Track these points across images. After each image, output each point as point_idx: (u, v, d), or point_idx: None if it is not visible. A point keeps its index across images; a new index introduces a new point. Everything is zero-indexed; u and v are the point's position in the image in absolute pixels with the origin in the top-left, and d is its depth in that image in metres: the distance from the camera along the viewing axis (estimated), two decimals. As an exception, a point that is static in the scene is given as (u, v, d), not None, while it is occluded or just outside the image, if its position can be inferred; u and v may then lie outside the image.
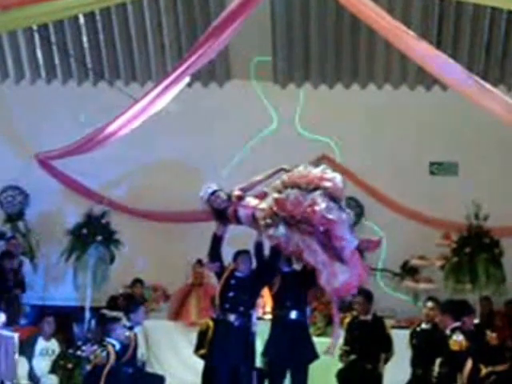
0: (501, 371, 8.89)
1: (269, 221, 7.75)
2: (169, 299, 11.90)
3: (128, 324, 8.87)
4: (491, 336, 9.19)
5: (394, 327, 10.41)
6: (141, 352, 9.87)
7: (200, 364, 9.07)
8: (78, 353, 9.70)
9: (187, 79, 10.65)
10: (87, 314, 11.46)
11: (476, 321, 9.41)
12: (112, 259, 11.83)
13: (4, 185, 12.87)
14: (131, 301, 10.47)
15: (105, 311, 10.74)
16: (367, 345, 9.39)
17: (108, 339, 8.50)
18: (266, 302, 10.70)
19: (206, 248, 8.97)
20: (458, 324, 8.50)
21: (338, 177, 7.79)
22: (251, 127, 12.52)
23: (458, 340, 8.27)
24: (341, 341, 9.21)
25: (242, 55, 12.44)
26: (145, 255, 12.61)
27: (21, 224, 12.65)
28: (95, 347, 8.54)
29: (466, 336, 8.33)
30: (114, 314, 9.75)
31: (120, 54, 12.90)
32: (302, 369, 8.99)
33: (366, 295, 9.46)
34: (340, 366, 9.53)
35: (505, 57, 12.53)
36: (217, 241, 8.80)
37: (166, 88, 10.08)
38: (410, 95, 12.88)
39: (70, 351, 10.07)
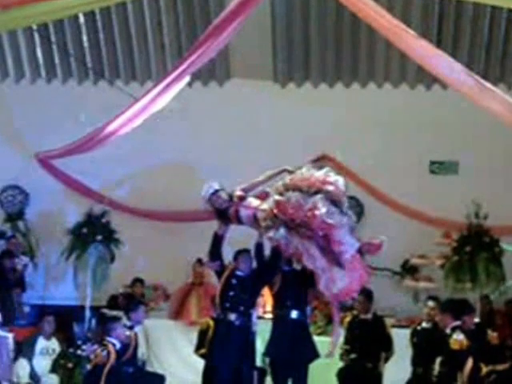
0: (501, 370, 8.91)
1: (269, 222, 7.73)
2: (169, 298, 11.91)
3: (128, 323, 8.88)
4: (492, 335, 9.22)
5: (394, 326, 10.43)
6: (141, 351, 9.88)
7: (200, 363, 9.08)
8: (79, 352, 9.74)
9: (187, 78, 10.64)
10: (87, 314, 11.46)
11: (476, 320, 9.42)
12: (112, 258, 11.83)
13: (4, 184, 12.88)
14: (131, 300, 10.48)
15: (105, 310, 10.80)
16: (367, 344, 9.41)
17: (108, 338, 8.51)
18: (266, 301, 10.71)
19: (206, 247, 8.98)
20: (458, 323, 8.50)
21: (340, 180, 7.72)
22: (251, 127, 12.52)
23: (458, 339, 8.27)
24: (341, 340, 9.22)
25: (241, 54, 12.43)
26: (145, 254, 12.61)
27: (21, 223, 12.66)
28: (95, 346, 8.56)
29: (467, 335, 8.33)
30: (115, 313, 9.80)
31: (120, 53, 12.90)
32: (302, 368, 9.00)
33: (367, 294, 9.47)
34: (340, 364, 9.55)
35: (505, 55, 12.53)
36: (218, 240, 8.80)
37: (167, 87, 10.08)
38: (410, 94, 12.88)
39: (71, 350, 10.09)
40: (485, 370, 8.79)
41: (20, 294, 11.71)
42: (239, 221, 8.58)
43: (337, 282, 7.67)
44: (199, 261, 11.43)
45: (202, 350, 9.01)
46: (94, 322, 11.18)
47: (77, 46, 12.79)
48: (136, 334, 8.90)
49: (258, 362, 9.36)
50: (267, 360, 9.37)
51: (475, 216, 11.15)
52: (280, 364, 9.06)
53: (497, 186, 12.10)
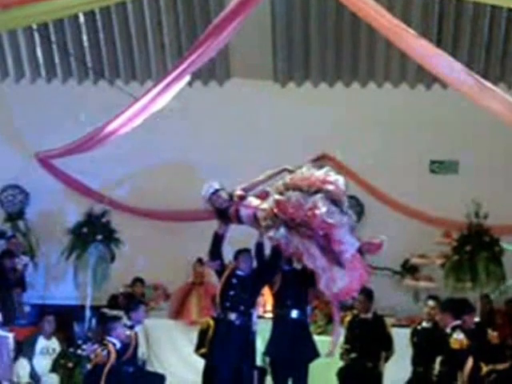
0: (501, 370, 8.91)
1: (269, 222, 7.73)
2: (169, 298, 11.91)
3: (128, 323, 8.88)
4: (492, 334, 9.22)
5: (394, 326, 10.43)
6: (141, 351, 9.88)
7: (200, 363, 9.08)
8: (79, 352, 9.75)
9: (187, 78, 10.63)
10: (88, 313, 11.46)
11: (476, 319, 9.42)
12: (112, 258, 11.83)
13: (4, 184, 12.88)
14: (132, 300, 10.48)
15: (105, 310, 10.79)
16: (368, 343, 9.41)
17: (108, 338, 8.51)
18: (266, 300, 10.71)
19: (206, 247, 8.98)
20: (458, 322, 8.50)
21: (340, 179, 7.70)
22: (251, 126, 12.52)
23: (458, 338, 8.27)
24: (341, 339, 9.22)
25: (241, 54, 12.43)
26: (145, 254, 12.61)
27: (21, 223, 12.66)
28: (96, 346, 8.56)
29: (467, 334, 8.33)
30: (115, 312, 9.78)
31: (120, 52, 12.90)
32: (302, 367, 9.00)
33: (367, 294, 9.47)
34: (340, 364, 9.55)
35: (505, 55, 12.53)
36: (218, 239, 8.80)
37: (167, 86, 10.07)
38: (410, 93, 12.88)
39: (71, 350, 10.09)
40: (485, 369, 8.79)
41: (20, 294, 11.71)
42: (239, 220, 8.57)
43: (337, 282, 7.66)
44: (199, 260, 11.43)
45: (203, 350, 9.01)
46: (94, 321, 11.17)
47: (77, 45, 12.79)
48: (136, 334, 8.90)
49: (259, 362, 9.35)
50: (267, 359, 9.37)
51: (475, 215, 11.15)
52: (280, 363, 9.06)
53: (497, 185, 12.10)
